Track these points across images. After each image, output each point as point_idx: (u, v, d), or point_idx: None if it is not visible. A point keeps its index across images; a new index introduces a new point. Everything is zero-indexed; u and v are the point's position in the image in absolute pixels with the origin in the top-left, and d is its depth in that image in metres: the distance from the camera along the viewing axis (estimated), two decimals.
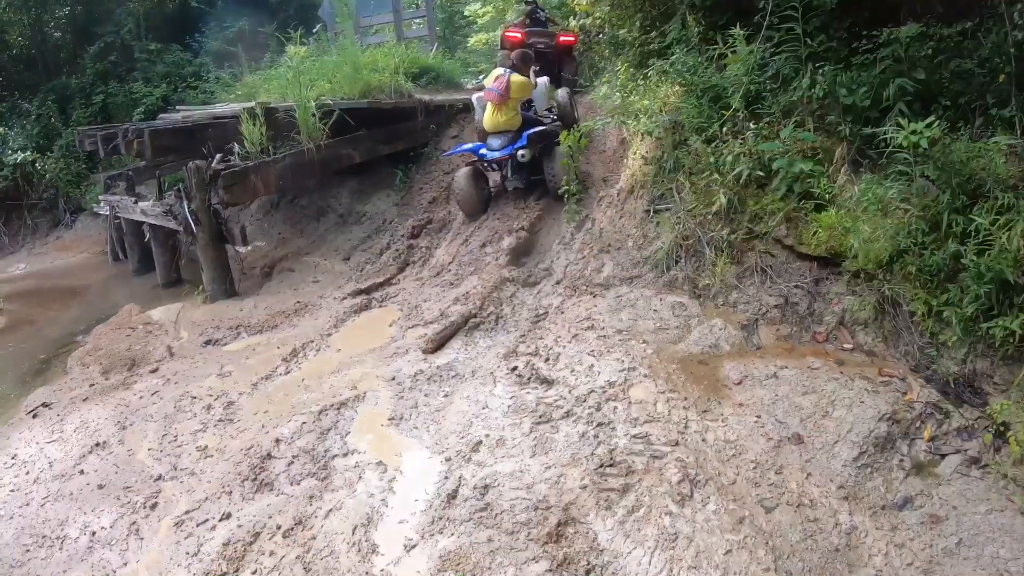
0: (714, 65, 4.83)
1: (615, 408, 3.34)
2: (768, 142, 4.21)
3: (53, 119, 11.64)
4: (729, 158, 4.29)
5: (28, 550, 3.03)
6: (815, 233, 3.91)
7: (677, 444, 3.05)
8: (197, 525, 3.02)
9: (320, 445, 3.45)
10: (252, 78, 9.17)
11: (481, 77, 9.00)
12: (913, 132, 3.38)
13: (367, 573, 2.61)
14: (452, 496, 2.91)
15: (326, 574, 2.64)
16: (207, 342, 5.20)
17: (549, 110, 6.41)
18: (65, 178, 10.99)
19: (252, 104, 6.44)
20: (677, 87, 5.00)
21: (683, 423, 3.19)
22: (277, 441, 3.53)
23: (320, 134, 6.51)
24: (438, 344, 4.36)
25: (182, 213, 6.03)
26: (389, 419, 3.64)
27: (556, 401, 3.47)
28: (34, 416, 4.30)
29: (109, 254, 8.95)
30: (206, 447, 3.64)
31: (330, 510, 2.97)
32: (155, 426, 3.91)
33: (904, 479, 2.83)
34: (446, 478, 3.05)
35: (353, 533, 2.80)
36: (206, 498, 3.20)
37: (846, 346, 3.65)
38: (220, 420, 3.90)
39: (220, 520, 3.02)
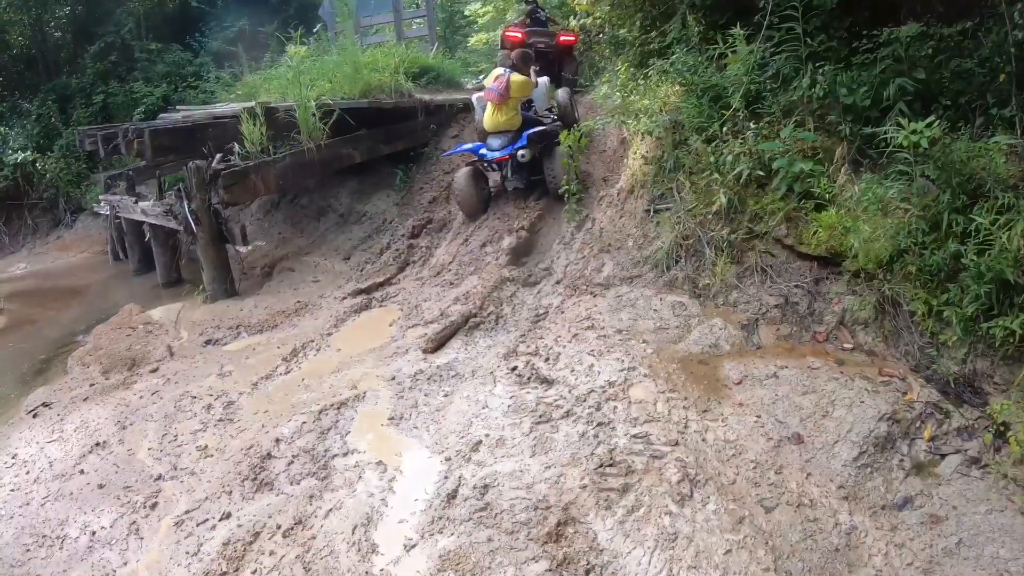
0: (714, 65, 4.83)
1: (615, 408, 3.34)
2: (768, 142, 4.21)
3: (53, 119, 11.64)
4: (729, 158, 4.29)
5: (28, 549, 3.04)
6: (815, 233, 3.91)
7: (677, 444, 3.05)
8: (197, 525, 3.03)
9: (320, 445, 3.45)
10: (252, 78, 9.17)
11: (481, 77, 8.99)
12: (913, 132, 3.37)
13: (367, 573, 2.61)
14: (452, 496, 2.91)
15: (326, 574, 2.64)
16: (207, 342, 5.21)
17: (549, 110, 6.41)
18: (65, 178, 10.99)
19: (252, 104, 6.44)
20: (677, 87, 5.00)
21: (683, 423, 3.19)
22: (277, 441, 3.53)
23: (320, 134, 6.51)
24: (438, 344, 4.36)
25: (182, 213, 6.03)
26: (389, 419, 3.64)
27: (556, 401, 3.46)
28: (34, 416, 4.30)
29: (109, 254, 8.95)
30: (206, 447, 3.64)
31: (330, 510, 2.97)
32: (155, 426, 3.91)
33: (904, 479, 2.83)
34: (446, 478, 3.05)
35: (353, 533, 2.81)
36: (206, 498, 3.20)
37: (846, 346, 3.65)
38: (220, 420, 3.90)
39: (220, 520, 3.03)
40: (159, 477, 3.43)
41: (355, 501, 3.00)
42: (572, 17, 8.71)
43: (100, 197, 8.80)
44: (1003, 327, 3.04)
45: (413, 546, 2.71)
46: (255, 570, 2.72)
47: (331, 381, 4.14)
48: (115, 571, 2.86)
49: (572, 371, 3.72)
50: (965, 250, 3.23)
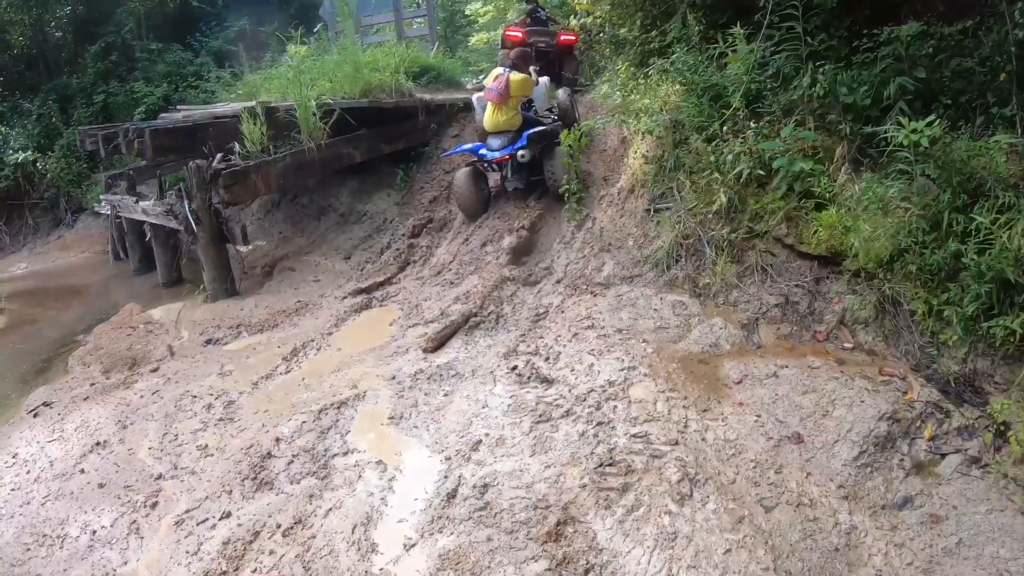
0: (714, 64, 4.83)
1: (615, 407, 3.34)
2: (768, 141, 4.20)
3: (54, 119, 11.64)
4: (729, 157, 4.29)
5: (29, 549, 3.04)
6: (815, 232, 3.91)
7: (677, 443, 3.05)
8: (197, 524, 3.03)
9: (320, 444, 3.46)
10: (253, 77, 9.17)
11: (481, 77, 9.00)
12: (914, 131, 3.37)
13: (366, 572, 2.61)
14: (452, 495, 2.91)
15: (326, 573, 2.64)
16: (208, 341, 5.21)
17: (549, 110, 6.40)
18: (66, 178, 11.00)
19: (253, 103, 6.44)
20: (678, 86, 4.99)
21: (683, 422, 3.19)
22: (277, 440, 3.53)
23: (321, 133, 6.51)
24: (438, 343, 4.36)
25: (183, 212, 6.03)
26: (389, 418, 3.64)
27: (556, 400, 3.46)
28: (35, 415, 4.31)
29: (110, 253, 8.96)
30: (206, 446, 3.64)
31: (330, 509, 2.97)
32: (156, 425, 3.92)
33: (904, 479, 2.82)
34: (446, 477, 3.05)
35: (353, 532, 2.81)
36: (206, 497, 3.20)
37: (846, 345, 3.65)
38: (220, 419, 3.90)
39: (220, 519, 3.03)
40: (159, 476, 3.44)
41: (355, 500, 3.00)
42: (572, 16, 8.71)
43: (101, 197, 8.81)
44: (1003, 326, 3.03)
45: (413, 545, 2.71)
46: (255, 569, 2.72)
47: (331, 380, 4.14)
48: (115, 570, 2.87)
49: (572, 370, 3.72)
50: (965, 249, 3.22)
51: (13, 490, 3.48)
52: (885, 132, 3.61)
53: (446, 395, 3.77)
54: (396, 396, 3.82)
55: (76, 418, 4.12)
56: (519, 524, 2.69)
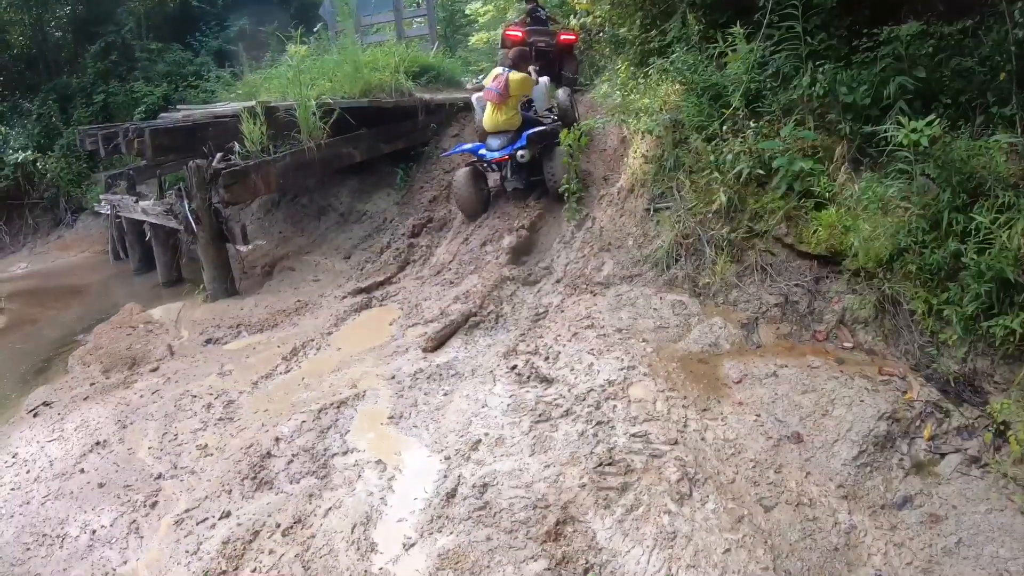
0: (714, 63, 4.83)
1: (614, 407, 3.34)
2: (768, 140, 4.20)
3: (54, 118, 11.65)
4: (729, 156, 4.29)
5: (29, 548, 3.04)
6: (815, 232, 3.91)
7: (676, 443, 3.05)
8: (197, 523, 3.03)
9: (320, 444, 3.46)
10: (253, 77, 9.17)
11: (480, 77, 8.99)
12: (913, 130, 3.37)
13: (366, 571, 2.61)
14: (451, 495, 2.91)
15: (325, 572, 2.64)
16: (207, 341, 5.21)
17: (549, 110, 6.40)
18: (66, 177, 11.00)
19: (253, 103, 6.45)
20: (677, 85, 4.99)
21: (682, 422, 3.19)
22: (277, 440, 3.53)
23: (321, 133, 6.51)
24: (438, 343, 4.36)
25: (183, 212, 6.03)
26: (389, 418, 3.64)
27: (555, 400, 3.46)
28: (35, 415, 4.31)
29: (110, 253, 8.96)
30: (206, 446, 3.64)
31: (329, 508, 2.97)
32: (155, 425, 3.92)
33: (904, 478, 2.82)
34: (445, 477, 3.05)
35: (352, 531, 2.81)
36: (206, 496, 3.20)
37: (846, 345, 3.65)
38: (220, 419, 3.90)
39: (220, 518, 3.03)
40: (159, 476, 3.44)
41: (354, 500, 3.00)
42: (572, 16, 8.71)
43: (101, 196, 8.81)
44: (1003, 326, 3.03)
45: (412, 545, 2.71)
46: (254, 568, 2.73)
47: (331, 380, 4.14)
48: (115, 570, 2.87)
49: (572, 370, 3.72)
50: (965, 249, 3.22)
51: (13, 490, 3.48)
52: (885, 131, 3.61)
53: (446, 395, 3.77)
54: (396, 395, 3.82)
55: (76, 418, 4.13)
56: (518, 523, 2.69)
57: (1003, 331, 3.04)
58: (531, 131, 5.69)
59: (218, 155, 6.18)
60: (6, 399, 4.85)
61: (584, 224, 5.42)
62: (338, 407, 3.76)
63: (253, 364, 4.58)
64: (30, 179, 11.33)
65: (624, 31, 6.31)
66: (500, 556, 2.56)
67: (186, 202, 6.00)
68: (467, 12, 13.94)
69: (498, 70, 5.88)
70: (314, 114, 6.44)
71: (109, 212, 8.42)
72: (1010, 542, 2.49)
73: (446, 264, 5.79)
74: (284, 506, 3.03)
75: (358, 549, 2.72)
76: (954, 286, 3.29)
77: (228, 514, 3.05)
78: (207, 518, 3.05)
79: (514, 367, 3.84)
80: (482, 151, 5.83)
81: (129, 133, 6.39)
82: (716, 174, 4.37)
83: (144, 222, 7.35)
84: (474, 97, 6.36)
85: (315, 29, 11.19)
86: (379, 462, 3.24)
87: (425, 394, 3.80)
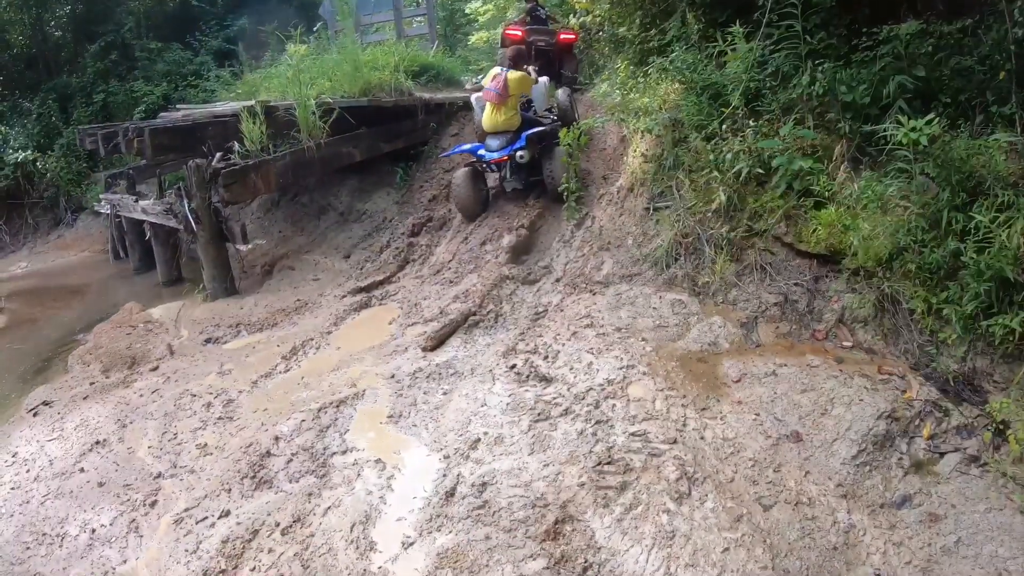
0: (714, 62, 4.83)
1: (613, 406, 3.34)
2: (768, 139, 4.20)
3: (54, 118, 11.65)
4: (729, 156, 4.28)
5: (28, 547, 3.04)
6: (815, 231, 3.91)
7: (675, 442, 3.05)
8: (196, 523, 3.03)
9: (319, 443, 3.46)
10: (252, 76, 9.17)
11: (479, 77, 8.99)
12: (913, 129, 3.37)
13: (365, 570, 2.61)
14: (450, 494, 2.91)
15: (324, 571, 2.64)
16: (207, 340, 5.21)
17: (549, 110, 6.40)
18: (66, 177, 11.00)
19: (252, 102, 6.44)
20: (677, 84, 4.99)
21: (681, 421, 3.19)
22: (276, 439, 3.53)
23: (320, 132, 6.51)
24: (437, 342, 4.37)
25: (183, 211, 6.03)
26: (388, 417, 3.64)
27: (555, 399, 3.47)
28: (35, 414, 4.31)
29: (110, 253, 8.97)
30: (206, 445, 3.65)
31: (328, 507, 2.97)
32: (155, 424, 3.92)
33: (903, 477, 2.82)
34: (444, 476, 3.05)
35: (351, 530, 2.81)
36: (205, 496, 3.20)
37: (845, 344, 3.65)
38: (220, 418, 3.90)
39: (219, 518, 3.03)
40: (159, 475, 3.44)
41: (354, 499, 3.00)
42: (572, 15, 8.71)
43: (100, 196, 8.81)
44: (1003, 325, 3.03)
45: (411, 544, 2.71)
46: (254, 568, 2.73)
47: (330, 379, 4.14)
48: (115, 569, 2.87)
49: (571, 369, 3.72)
50: (965, 248, 3.22)
51: (13, 489, 3.48)
52: (884, 130, 3.61)
53: (445, 394, 3.77)
54: (395, 395, 3.82)
55: (76, 417, 4.13)
56: (517, 522, 2.69)
57: (1002, 330, 3.04)
58: (530, 132, 5.68)
59: (218, 154, 6.18)
60: (6, 398, 4.86)
61: (584, 223, 5.42)
62: (337, 406, 3.76)
63: (253, 363, 4.58)
64: (30, 179, 11.33)
65: (624, 30, 6.31)
66: (499, 555, 2.56)
67: (186, 201, 6.00)
68: (467, 11, 13.94)
69: (496, 70, 5.88)
70: (314, 113, 6.44)
71: (109, 211, 8.42)
72: (1009, 541, 2.49)
73: (446, 263, 5.79)
74: (283, 505, 3.03)
75: (357, 548, 2.72)
76: (953, 285, 3.29)
77: (227, 513, 3.05)
78: (206, 517, 3.05)
79: (513, 366, 3.84)
80: (481, 151, 5.83)
81: (129, 132, 6.39)
82: (715, 173, 4.37)
83: (144, 221, 7.35)
84: (473, 97, 6.36)
85: (315, 28, 11.18)
86: (378, 461, 3.24)
87: (424, 393, 3.80)
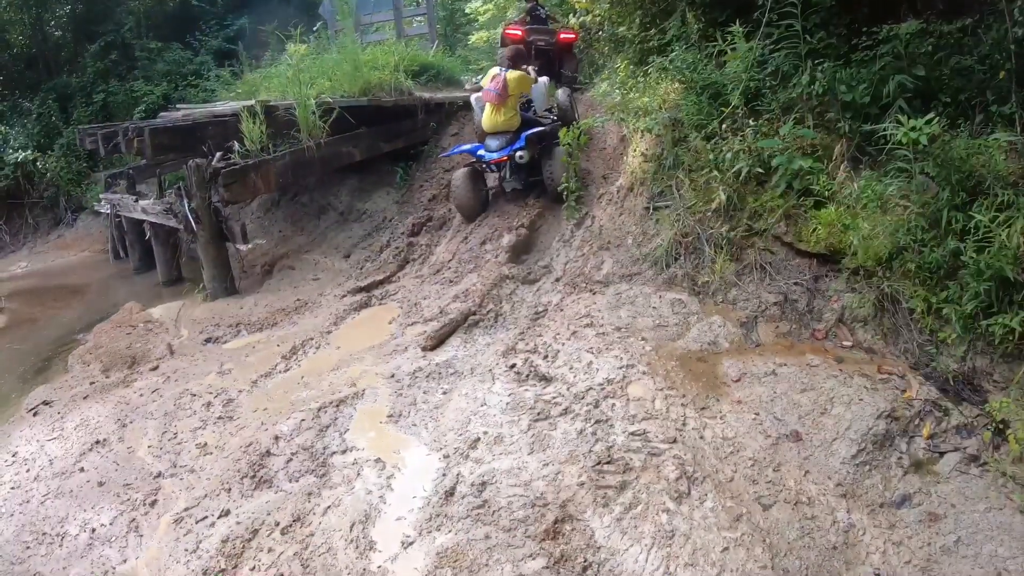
0: (714, 62, 4.83)
1: (613, 405, 3.34)
2: (767, 139, 4.20)
3: (54, 118, 11.65)
4: (728, 155, 4.28)
5: (28, 547, 3.05)
6: (814, 230, 3.90)
7: (675, 441, 3.05)
8: (196, 522, 3.03)
9: (319, 442, 3.46)
10: (252, 76, 9.16)
11: (479, 77, 8.99)
12: (913, 129, 3.37)
13: (365, 570, 2.62)
14: (450, 493, 2.91)
15: (324, 571, 2.65)
16: (207, 340, 5.21)
17: (549, 110, 6.40)
18: (66, 177, 11.01)
19: (252, 102, 6.44)
20: (677, 84, 4.99)
21: (681, 420, 3.19)
22: (276, 438, 3.53)
23: (320, 132, 6.51)
24: (437, 341, 4.37)
25: (183, 211, 6.03)
26: (388, 416, 3.64)
27: (554, 398, 3.47)
28: (35, 414, 4.31)
29: (110, 252, 8.97)
30: (206, 444, 3.65)
31: (328, 507, 2.97)
32: (155, 424, 3.92)
33: (903, 477, 2.82)
34: (444, 475, 3.05)
35: (351, 530, 2.81)
36: (205, 495, 3.20)
37: (845, 343, 3.65)
38: (220, 417, 3.91)
39: (219, 517, 3.03)
40: (159, 475, 3.44)
41: (353, 498, 3.00)
42: (572, 15, 8.71)
43: (100, 196, 8.82)
44: (1002, 325, 3.03)
45: (411, 543, 2.71)
46: (254, 567, 2.73)
47: (330, 379, 4.14)
48: (115, 568, 2.87)
49: (571, 368, 3.72)
50: (964, 247, 3.22)
51: (13, 488, 3.48)
52: (884, 130, 3.61)
53: (445, 393, 3.77)
54: (395, 394, 3.83)
55: (76, 417, 4.13)
56: (517, 522, 2.69)
57: (1002, 330, 3.04)
58: (530, 132, 5.68)
59: (218, 154, 6.18)
60: (6, 398, 4.86)
61: (583, 223, 5.42)
62: (337, 406, 3.76)
63: (252, 363, 4.58)
64: (30, 178, 11.34)
65: (623, 30, 6.31)
66: (499, 554, 2.56)
67: (186, 201, 6.00)
68: (467, 11, 13.93)
69: (495, 70, 5.88)
70: (314, 113, 6.44)
71: (109, 211, 8.42)
72: (1009, 541, 2.50)
73: (445, 263, 5.79)
74: (283, 504, 3.04)
75: (357, 547, 2.72)
76: (953, 285, 3.29)
77: (227, 512, 3.05)
78: (206, 516, 3.05)
79: (513, 366, 3.84)
80: (481, 152, 5.82)
81: (129, 132, 6.39)
82: (715, 172, 4.37)
83: (144, 221, 7.35)
84: (473, 97, 6.36)
85: (315, 28, 11.17)
86: (378, 460, 3.25)
87: (424, 392, 3.80)
